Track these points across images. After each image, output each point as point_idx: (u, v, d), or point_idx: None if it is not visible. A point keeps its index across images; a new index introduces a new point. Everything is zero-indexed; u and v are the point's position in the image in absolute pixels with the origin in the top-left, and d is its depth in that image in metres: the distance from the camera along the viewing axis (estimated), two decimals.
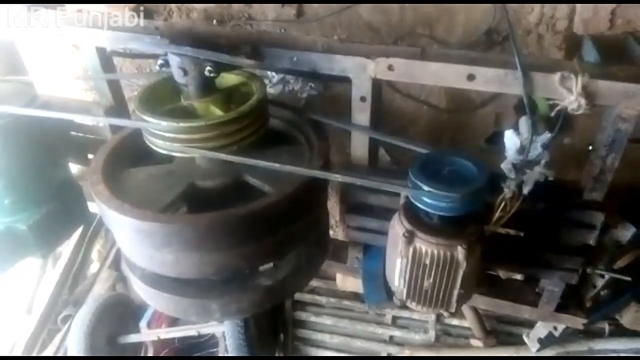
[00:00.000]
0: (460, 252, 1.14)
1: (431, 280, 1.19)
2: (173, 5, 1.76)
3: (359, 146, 1.39)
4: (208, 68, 1.22)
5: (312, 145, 1.45)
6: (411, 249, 1.18)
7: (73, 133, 1.73)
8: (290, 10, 1.64)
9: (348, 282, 2.24)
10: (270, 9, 1.66)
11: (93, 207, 1.78)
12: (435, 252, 1.15)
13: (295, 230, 1.38)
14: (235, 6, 1.70)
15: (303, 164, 1.39)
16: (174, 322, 2.63)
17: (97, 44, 1.48)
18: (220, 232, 1.20)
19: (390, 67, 1.23)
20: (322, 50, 1.30)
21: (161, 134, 1.24)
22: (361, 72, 1.26)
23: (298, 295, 2.67)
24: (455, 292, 1.21)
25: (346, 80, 1.33)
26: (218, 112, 1.30)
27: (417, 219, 1.20)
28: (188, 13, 1.74)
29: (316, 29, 1.68)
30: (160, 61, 1.27)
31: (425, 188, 1.12)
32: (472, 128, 1.71)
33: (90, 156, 1.79)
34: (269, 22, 1.67)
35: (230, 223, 1.19)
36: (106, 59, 1.54)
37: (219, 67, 1.24)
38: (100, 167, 1.37)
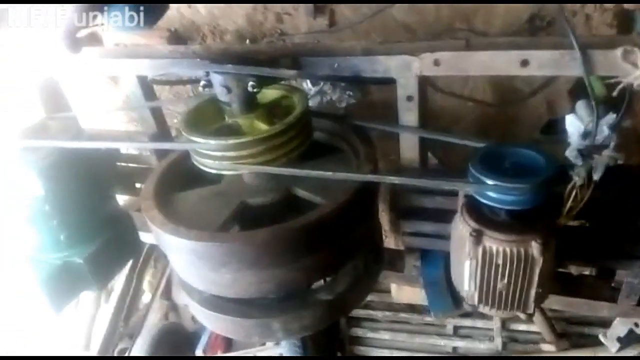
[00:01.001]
0: (535, 248, 1.07)
1: (505, 280, 1.11)
2: (206, 29, 1.78)
3: (409, 148, 1.34)
4: (251, 83, 1.21)
5: (358, 152, 1.41)
6: (480, 249, 1.11)
7: (119, 164, 1.75)
8: (322, 20, 1.62)
9: (404, 293, 2.16)
10: (302, 22, 1.65)
11: (144, 236, 1.79)
12: (508, 250, 1.08)
13: (351, 240, 1.33)
14: (267, 23, 1.70)
15: (352, 171, 1.36)
16: (228, 347, 2.61)
17: (137, 72, 1.49)
18: (277, 247, 1.17)
19: (436, 62, 1.19)
20: (362, 54, 1.28)
21: (210, 154, 1.23)
22: (406, 70, 1.22)
23: (353, 311, 2.60)
24: (533, 292, 1.13)
25: (390, 82, 1.29)
26: (263, 126, 1.28)
27: (483, 217, 1.13)
28: (221, 36, 1.76)
29: (350, 37, 1.66)
30: (203, 82, 1.26)
31: (490, 182, 1.06)
32: (523, 120, 1.64)
33: (137, 185, 1.81)
34: (302, 35, 1.66)
35: (286, 237, 1.16)
36: (147, 88, 1.56)
37: (261, 82, 1.22)
38: (152, 194, 1.37)
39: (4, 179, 1.45)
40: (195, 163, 1.30)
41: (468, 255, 1.13)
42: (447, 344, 2.48)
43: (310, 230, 1.17)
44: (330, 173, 1.18)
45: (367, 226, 1.39)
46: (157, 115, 1.62)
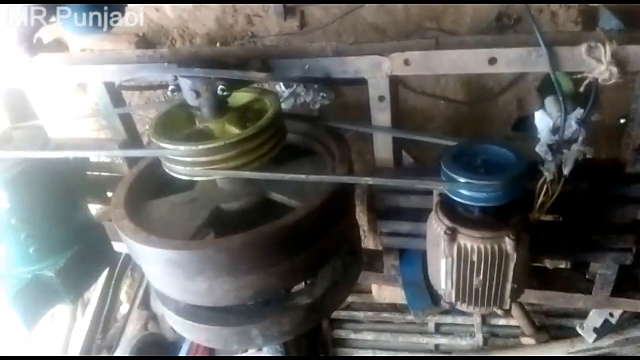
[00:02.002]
0: (508, 244, 1.07)
1: (481, 277, 1.12)
2: (175, 33, 1.75)
3: (383, 148, 1.34)
4: (220, 87, 1.19)
5: (333, 153, 1.40)
6: (455, 247, 1.11)
7: (89, 173, 1.71)
8: (292, 22, 1.61)
9: (385, 292, 2.16)
10: (273, 24, 1.64)
11: (118, 246, 1.75)
12: (482, 246, 1.08)
13: (328, 242, 1.32)
14: (238, 26, 1.68)
15: (327, 173, 1.35)
16: (210, 355, 2.57)
17: (104, 79, 1.46)
18: (253, 252, 1.15)
19: (406, 62, 1.19)
20: (332, 55, 1.27)
21: (181, 160, 1.21)
22: (376, 70, 1.22)
23: (334, 313, 2.58)
24: (508, 287, 1.14)
25: (361, 82, 1.29)
26: (235, 130, 1.26)
27: (457, 215, 1.14)
28: (191, 39, 1.73)
29: (321, 38, 1.66)
30: (171, 87, 1.24)
31: (462, 180, 1.06)
32: (494, 117, 1.66)
33: (109, 194, 1.76)
34: (273, 37, 1.65)
35: (262, 242, 1.14)
36: (116, 94, 1.52)
37: (231, 85, 1.21)
38: (122, 202, 1.34)
39: None
40: (167, 170, 1.27)
41: (443, 254, 1.14)
42: (429, 342, 2.50)
43: (286, 234, 1.16)
44: (304, 176, 1.17)
45: (344, 228, 1.38)
46: (127, 122, 1.58)
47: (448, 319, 2.40)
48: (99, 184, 1.73)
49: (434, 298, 1.47)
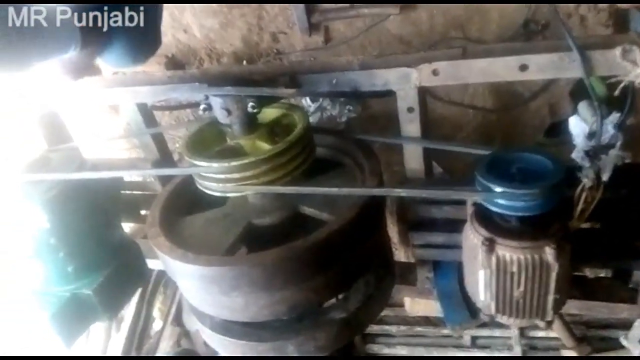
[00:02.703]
0: (549, 254, 1.04)
1: (522, 288, 1.09)
2: (203, 53, 1.79)
3: (413, 158, 1.33)
4: (250, 104, 1.21)
5: (362, 166, 1.40)
6: (494, 258, 1.09)
7: (123, 192, 1.75)
8: (317, 38, 1.63)
9: (418, 306, 2.12)
10: (298, 40, 1.66)
11: (151, 263, 1.78)
12: (522, 257, 1.05)
13: (361, 256, 1.32)
14: (263, 43, 1.71)
15: (357, 185, 1.35)
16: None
17: (137, 100, 1.50)
18: (287, 267, 1.15)
19: (434, 72, 1.18)
20: (359, 68, 1.28)
21: (214, 177, 1.22)
22: (405, 82, 1.22)
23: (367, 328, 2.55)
24: (550, 298, 1.10)
25: (389, 95, 1.29)
26: (265, 146, 1.28)
27: (494, 225, 1.11)
28: (218, 58, 1.77)
29: (346, 52, 1.67)
30: (202, 106, 1.26)
31: (499, 189, 1.04)
32: (525, 124, 1.63)
33: (142, 212, 1.80)
34: (298, 53, 1.67)
35: (295, 257, 1.14)
36: (148, 115, 1.56)
37: (261, 102, 1.22)
38: (157, 220, 1.36)
39: (8, 214, 1.45)
40: (199, 187, 1.29)
41: (481, 265, 1.11)
42: (465, 356, 2.43)
43: (320, 248, 1.16)
44: (335, 189, 1.17)
45: (377, 240, 1.37)
46: (159, 141, 1.62)
47: (485, 332, 2.34)
48: (132, 202, 1.77)
49: (472, 310, 1.43)
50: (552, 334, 2.20)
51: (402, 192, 1.10)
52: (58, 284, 1.54)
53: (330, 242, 1.17)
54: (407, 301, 2.25)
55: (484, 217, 1.14)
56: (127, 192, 1.77)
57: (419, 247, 1.46)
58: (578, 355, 2.01)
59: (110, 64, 1.27)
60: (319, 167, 1.38)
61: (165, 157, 1.64)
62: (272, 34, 1.66)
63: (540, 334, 2.27)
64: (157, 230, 1.32)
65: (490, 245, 1.08)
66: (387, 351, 2.56)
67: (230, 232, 1.32)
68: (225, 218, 1.39)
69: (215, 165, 1.19)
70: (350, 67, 1.29)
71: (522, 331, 2.26)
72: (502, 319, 1.19)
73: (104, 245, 1.62)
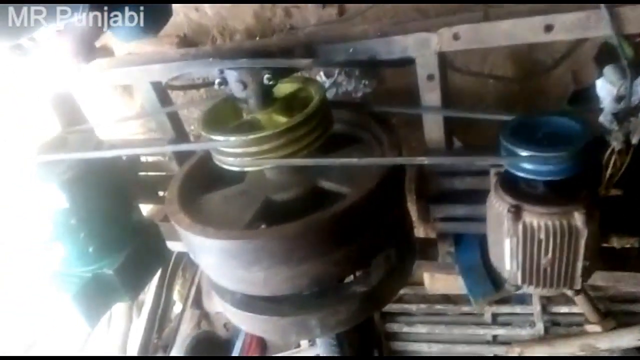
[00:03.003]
0: (578, 219, 1.01)
1: (549, 256, 1.06)
2: (215, 31, 1.76)
3: (433, 129, 1.30)
4: (266, 76, 1.19)
5: (380, 140, 1.37)
6: (520, 226, 1.06)
7: (141, 173, 1.75)
8: (331, 10, 1.59)
9: (438, 283, 2.10)
10: (311, 14, 1.63)
11: (171, 245, 1.78)
12: (550, 223, 1.02)
13: (382, 229, 1.29)
14: (276, 19, 1.68)
15: (377, 157, 1.32)
16: (263, 353, 2.58)
17: (151, 78, 1.48)
18: (307, 240, 1.13)
19: (455, 36, 1.14)
20: (375, 37, 1.24)
21: (231, 151, 1.21)
22: (425, 48, 1.18)
23: (386, 307, 2.54)
24: (579, 266, 1.07)
25: (408, 63, 1.26)
26: (283, 120, 1.25)
27: (520, 191, 1.08)
28: (231, 36, 1.74)
29: (361, 24, 1.62)
30: (218, 80, 1.24)
31: (525, 153, 1.01)
32: (548, 92, 1.58)
33: (160, 193, 1.80)
34: (312, 27, 1.63)
35: (316, 229, 1.13)
36: (162, 94, 1.55)
37: (277, 74, 1.20)
38: (176, 197, 1.36)
39: (26, 195, 1.45)
40: (217, 163, 1.28)
41: (507, 233, 1.08)
42: (486, 333, 2.40)
43: (341, 220, 1.14)
44: (355, 160, 1.14)
45: (397, 214, 1.35)
46: (175, 120, 1.61)
47: (506, 309, 2.31)
48: (150, 183, 1.77)
49: (495, 283, 1.41)
50: (575, 309, 2.16)
51: (425, 160, 1.07)
52: (79, 265, 1.55)
53: (351, 213, 1.15)
54: (427, 278, 2.24)
55: (509, 185, 1.11)
56: (145, 173, 1.76)
57: (440, 221, 1.43)
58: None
59: (119, 36, 1.25)
60: (335, 142, 1.36)
61: (181, 137, 1.63)
62: (284, 8, 1.62)
63: (563, 309, 2.23)
64: (176, 207, 1.31)
65: (516, 213, 1.05)
66: (406, 329, 2.55)
67: (249, 208, 1.30)
68: (243, 195, 1.38)
69: (232, 139, 1.17)
70: (366, 37, 1.26)
71: (545, 307, 2.23)
72: (529, 288, 1.16)
73: (124, 225, 1.63)
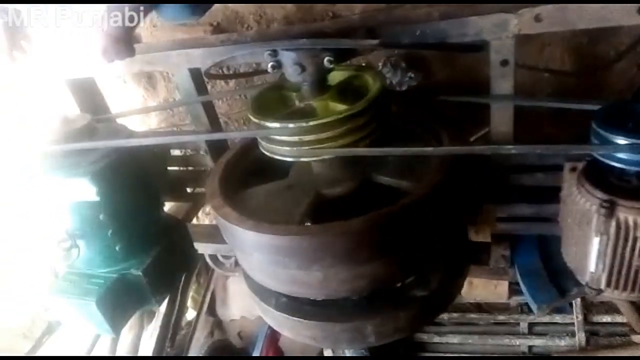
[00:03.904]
0: None
1: None
2: (251, 20, 1.67)
3: (502, 120, 1.20)
4: (327, 59, 1.08)
5: (437, 133, 1.28)
6: (613, 223, 0.96)
7: (170, 168, 1.64)
8: None
9: (476, 290, 1.99)
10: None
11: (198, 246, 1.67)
12: None
13: (445, 228, 1.20)
14: (318, 6, 1.59)
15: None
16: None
17: (190, 65, 1.38)
18: (374, 237, 1.03)
19: (537, 18, 1.05)
20: (440, 19, 1.15)
21: (288, 140, 1.10)
22: (501, 30, 1.09)
23: None
24: None
25: (477, 49, 1.17)
26: (340, 107, 1.15)
27: (611, 185, 0.99)
28: (268, 24, 1.65)
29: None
30: (271, 63, 1.14)
31: (624, 141, 0.91)
32: (609, 88, 1.50)
33: (188, 190, 1.69)
34: (356, 15, 1.54)
35: (384, 225, 1.02)
36: (200, 83, 1.44)
37: (339, 55, 1.10)
38: (218, 191, 1.25)
39: (48, 187, 1.33)
40: (267, 153, 1.17)
41: (596, 232, 0.99)
42: (522, 344, 2.28)
43: (409, 216, 1.04)
44: (430, 149, 1.04)
45: (459, 212, 1.25)
46: (210, 111, 1.50)
47: (544, 318, 2.21)
48: (178, 179, 1.65)
49: (560, 288, 1.31)
50: (618, 319, 2.07)
51: (512, 149, 0.96)
52: (104, 265, 1.42)
53: (418, 209, 1.05)
54: (465, 286, 2.12)
55: (597, 178, 1.01)
56: (173, 168, 1.65)
57: (500, 221, 1.33)
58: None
59: (167, 15, 1.15)
60: (388, 136, 1.27)
61: (216, 129, 1.52)
62: None
63: (606, 318, 2.13)
64: (221, 201, 1.20)
65: (610, 208, 0.96)
66: (437, 340, 2.43)
67: (300, 203, 1.20)
68: (290, 189, 1.27)
69: (291, 125, 1.07)
70: (429, 19, 1.17)
71: (586, 316, 2.13)
72: (613, 293, 1.06)
73: (152, 223, 1.51)
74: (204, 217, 2.34)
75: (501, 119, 1.20)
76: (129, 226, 1.42)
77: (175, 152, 1.75)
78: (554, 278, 1.32)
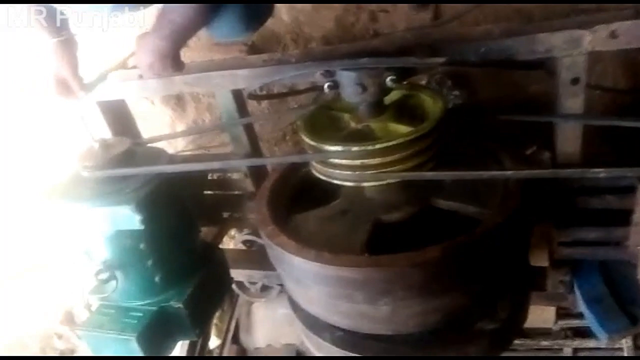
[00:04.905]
0: None
1: None
2: (288, 39, 1.62)
3: (570, 140, 1.15)
4: (390, 78, 1.03)
5: (494, 153, 1.22)
6: None
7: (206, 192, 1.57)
8: (424, 15, 1.46)
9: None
10: (400, 19, 1.49)
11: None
12: None
13: (515, 256, 1.13)
14: (359, 24, 1.54)
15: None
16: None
17: (234, 86, 1.33)
18: (452, 268, 0.96)
19: (613, 34, 1.01)
20: (500, 37, 1.11)
21: (348, 164, 1.04)
22: (573, 47, 1.04)
23: None
24: None
25: (541, 67, 1.12)
26: (401, 128, 1.09)
27: None
28: (305, 44, 1.60)
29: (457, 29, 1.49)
30: (327, 83, 1.09)
31: None
32: None
33: (225, 215, 1.62)
34: (399, 33, 1.49)
35: (459, 255, 0.96)
36: (241, 103, 1.39)
37: (401, 75, 1.05)
38: (270, 218, 1.18)
39: (86, 216, 1.26)
40: (323, 177, 1.11)
41: None
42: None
43: (487, 243, 0.97)
44: (510, 172, 0.97)
45: (527, 239, 1.18)
46: (251, 133, 1.45)
47: (590, 343, 2.12)
48: (215, 204, 1.58)
49: (631, 315, 1.23)
50: None
51: (602, 173, 0.90)
52: (143, 297, 1.35)
53: (498, 235, 0.98)
54: None
55: None
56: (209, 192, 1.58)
57: (565, 246, 1.26)
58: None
59: (218, 32, 1.10)
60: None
61: (256, 151, 1.46)
62: (370, 12, 1.49)
63: None
64: (275, 229, 1.13)
65: None
66: None
67: (357, 229, 1.13)
68: (344, 215, 1.21)
69: (355, 148, 1.00)
70: (489, 36, 1.12)
71: (636, 341, 2.05)
72: None
73: (191, 251, 1.43)
74: (228, 241, 2.26)
75: (567, 139, 1.15)
76: (169, 255, 1.34)
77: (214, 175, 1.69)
78: (622, 305, 1.25)
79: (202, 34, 1.67)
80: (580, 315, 1.74)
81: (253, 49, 1.63)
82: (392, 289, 0.96)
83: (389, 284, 0.95)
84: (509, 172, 0.97)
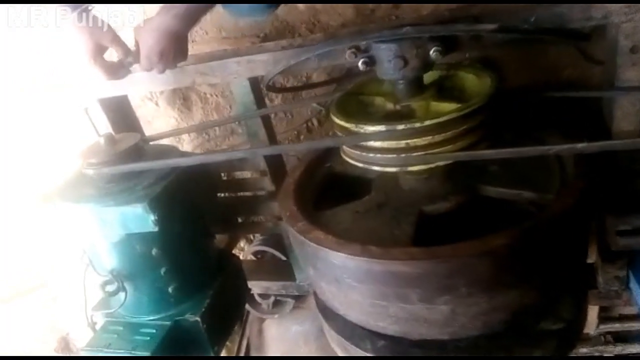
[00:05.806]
0: None
1: None
2: (303, 29, 1.52)
3: (627, 116, 1.04)
4: (435, 48, 0.92)
5: (538, 138, 1.12)
6: None
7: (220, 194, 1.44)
8: None
9: None
10: (426, 4, 1.40)
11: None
12: None
13: (578, 247, 1.01)
14: (380, 11, 1.45)
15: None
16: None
17: (251, 73, 1.21)
18: (521, 258, 0.84)
19: None
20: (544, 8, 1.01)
21: (390, 147, 0.92)
22: (635, 11, 0.94)
23: None
24: None
25: (585, 38, 1.02)
26: (446, 106, 0.98)
27: None
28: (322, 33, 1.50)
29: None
30: (363, 59, 0.97)
31: None
32: None
33: (239, 220, 1.48)
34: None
35: (531, 243, 0.83)
36: (258, 94, 1.27)
37: (448, 45, 0.94)
38: (299, 214, 1.06)
39: (93, 217, 1.12)
40: (359, 164, 0.99)
41: None
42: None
43: (555, 230, 0.86)
44: (582, 144, 0.85)
45: (589, 226, 1.07)
46: (268, 126, 1.33)
47: (633, 349, 1.99)
48: (228, 207, 1.45)
49: None
50: None
51: None
52: (155, 311, 1.21)
53: (566, 221, 0.87)
54: None
55: None
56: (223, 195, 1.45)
57: (623, 235, 1.14)
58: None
59: (238, 11, 0.99)
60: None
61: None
62: None
63: None
64: (307, 224, 1.01)
65: None
66: None
67: (400, 223, 1.01)
68: (381, 208, 1.09)
69: (400, 127, 0.88)
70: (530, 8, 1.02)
71: None
72: None
73: (206, 258, 1.30)
74: (237, 254, 2.11)
75: (626, 114, 1.03)
76: (184, 262, 1.21)
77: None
78: None
79: (210, 26, 1.60)
80: (623, 318, 1.61)
81: (266, 41, 1.52)
82: (454, 285, 0.83)
83: (450, 278, 0.82)
84: (579, 145, 0.85)
